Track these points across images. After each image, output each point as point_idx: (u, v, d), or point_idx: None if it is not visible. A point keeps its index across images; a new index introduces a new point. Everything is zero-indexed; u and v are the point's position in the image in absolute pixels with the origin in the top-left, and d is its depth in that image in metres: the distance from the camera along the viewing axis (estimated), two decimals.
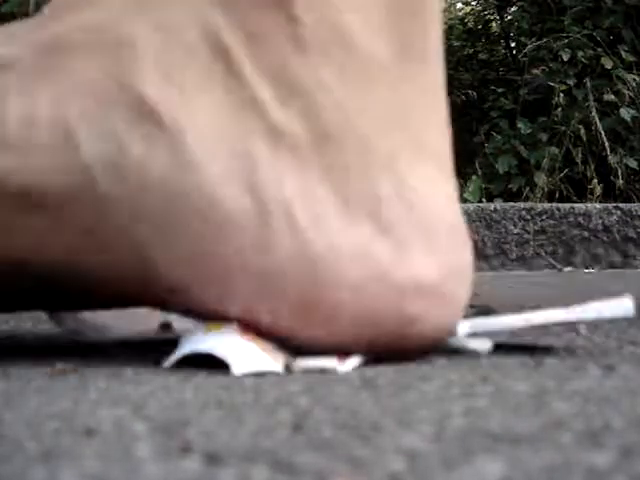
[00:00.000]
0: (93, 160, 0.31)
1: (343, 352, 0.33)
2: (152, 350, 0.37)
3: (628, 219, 1.31)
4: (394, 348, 0.33)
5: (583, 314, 0.37)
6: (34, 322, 0.49)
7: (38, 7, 1.86)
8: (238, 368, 0.32)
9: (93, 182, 0.31)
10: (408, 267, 0.32)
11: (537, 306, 0.38)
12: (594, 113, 1.67)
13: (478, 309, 0.46)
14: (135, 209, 0.31)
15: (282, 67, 0.31)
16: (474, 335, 0.37)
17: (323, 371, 0.32)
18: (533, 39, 1.85)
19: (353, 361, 0.34)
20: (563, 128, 1.69)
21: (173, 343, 0.39)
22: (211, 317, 0.33)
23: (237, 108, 0.31)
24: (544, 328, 0.44)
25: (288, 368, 0.33)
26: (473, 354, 0.36)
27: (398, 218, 0.32)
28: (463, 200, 1.59)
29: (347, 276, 0.31)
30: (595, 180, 1.63)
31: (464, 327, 0.36)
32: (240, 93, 0.31)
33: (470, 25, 2.22)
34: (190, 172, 0.31)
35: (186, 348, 0.33)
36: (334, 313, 0.32)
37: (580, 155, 1.68)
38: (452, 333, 0.35)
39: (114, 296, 0.34)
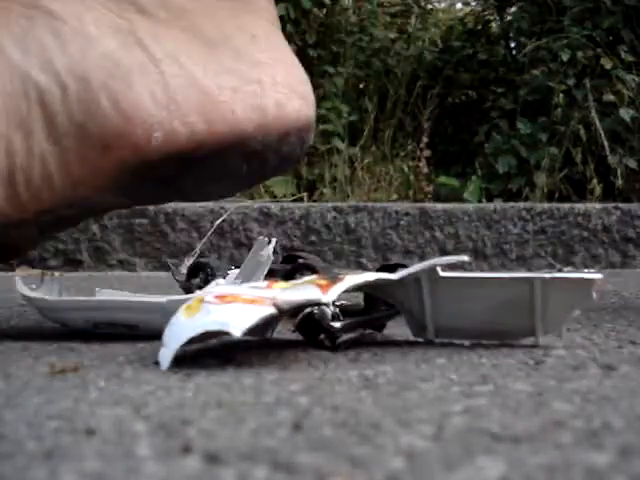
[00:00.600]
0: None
1: (326, 284, 0.35)
2: (152, 350, 0.37)
3: (628, 219, 1.31)
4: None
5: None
6: (35, 322, 0.49)
7: None
8: (237, 330, 0.32)
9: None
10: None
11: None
12: (594, 113, 1.67)
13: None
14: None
15: None
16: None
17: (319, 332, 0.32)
18: (533, 39, 1.85)
19: (335, 290, 0.34)
20: (563, 128, 1.69)
21: None
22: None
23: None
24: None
25: (278, 307, 0.33)
26: (473, 355, 0.36)
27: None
28: (463, 200, 1.59)
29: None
30: (595, 180, 1.63)
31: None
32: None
33: (470, 25, 2.22)
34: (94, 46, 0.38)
35: (177, 340, 0.33)
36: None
37: (580, 155, 1.67)
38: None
39: None
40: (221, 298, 0.34)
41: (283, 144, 0.39)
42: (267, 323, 0.36)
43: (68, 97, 0.36)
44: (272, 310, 0.33)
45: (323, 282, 0.36)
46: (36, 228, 0.40)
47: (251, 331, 0.32)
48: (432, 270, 0.38)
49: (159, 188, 0.39)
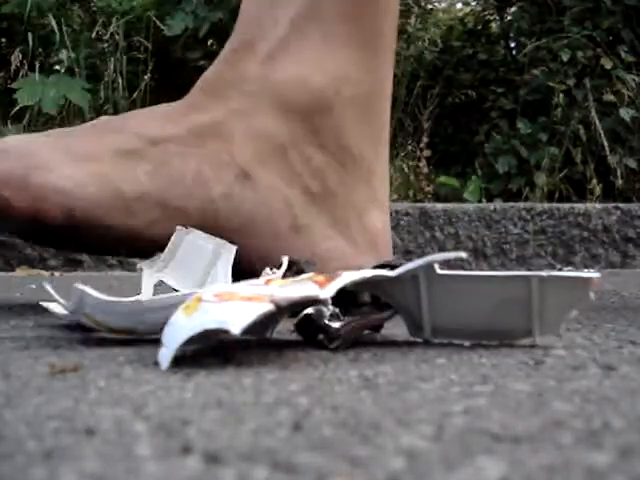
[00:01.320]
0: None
1: (323, 281, 0.36)
2: (152, 350, 0.37)
3: (628, 219, 1.31)
4: None
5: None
6: (35, 322, 0.49)
7: (38, 8, 1.86)
8: (235, 328, 0.31)
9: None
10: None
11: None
12: (594, 113, 1.68)
13: None
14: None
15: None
16: None
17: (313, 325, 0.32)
18: (533, 39, 1.85)
19: (333, 287, 0.35)
20: (563, 128, 1.69)
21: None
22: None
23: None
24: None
25: (276, 304, 0.33)
26: (473, 355, 0.36)
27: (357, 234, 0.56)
28: (463, 200, 1.59)
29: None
30: (595, 180, 1.63)
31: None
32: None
33: (470, 25, 2.22)
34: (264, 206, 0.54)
35: (177, 340, 0.33)
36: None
37: (580, 155, 1.68)
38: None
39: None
40: (219, 296, 0.34)
41: None
42: (266, 321, 0.36)
43: (231, 230, 0.53)
44: (270, 307, 0.33)
45: (321, 279, 0.36)
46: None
47: (250, 329, 0.32)
48: (429, 267, 0.38)
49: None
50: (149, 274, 0.51)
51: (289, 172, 0.54)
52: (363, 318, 0.41)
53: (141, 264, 0.52)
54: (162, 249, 0.50)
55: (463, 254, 0.37)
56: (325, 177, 0.55)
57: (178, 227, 0.50)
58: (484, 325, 0.39)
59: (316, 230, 0.54)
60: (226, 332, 0.32)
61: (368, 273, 0.38)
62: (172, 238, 0.50)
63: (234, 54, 0.55)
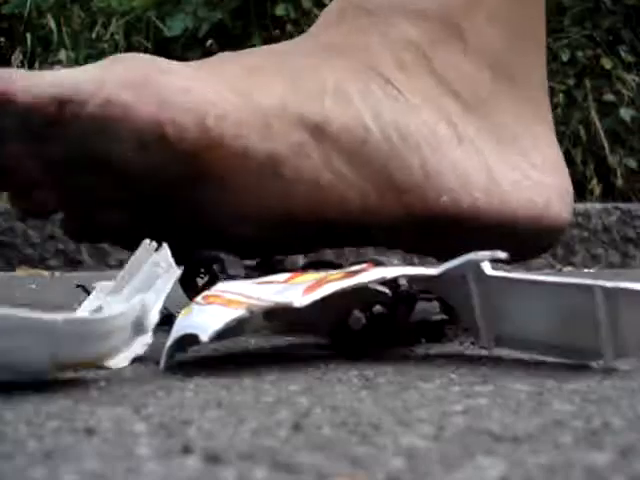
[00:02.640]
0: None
1: (310, 287, 0.33)
2: (152, 350, 0.37)
3: (628, 219, 1.31)
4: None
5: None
6: None
7: (37, 9, 1.86)
8: (204, 335, 0.30)
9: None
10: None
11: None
12: (593, 113, 1.67)
13: None
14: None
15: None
16: None
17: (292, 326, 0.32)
18: None
19: (315, 295, 0.32)
20: (563, 128, 1.69)
21: None
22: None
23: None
24: None
25: (250, 310, 0.31)
26: (473, 355, 0.36)
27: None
28: None
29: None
30: (594, 180, 1.63)
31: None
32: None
33: None
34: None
35: (170, 340, 0.32)
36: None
37: (580, 155, 1.67)
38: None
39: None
40: (206, 298, 0.33)
41: (539, 238, 0.48)
42: (241, 325, 0.33)
43: (386, 144, 0.44)
44: (242, 312, 0.31)
45: (336, 276, 0.34)
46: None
47: (221, 335, 0.31)
48: (477, 267, 0.34)
49: (420, 241, 0.47)
50: (96, 295, 0.40)
51: (436, 79, 0.47)
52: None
53: (96, 283, 0.41)
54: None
55: (501, 254, 0.33)
56: (479, 87, 0.48)
57: (145, 242, 0.37)
58: (550, 339, 0.34)
59: (482, 143, 0.47)
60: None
61: (407, 270, 0.35)
62: (133, 256, 0.38)
63: None
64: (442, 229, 0.45)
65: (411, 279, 0.36)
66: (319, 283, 0.33)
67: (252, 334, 0.39)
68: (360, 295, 0.35)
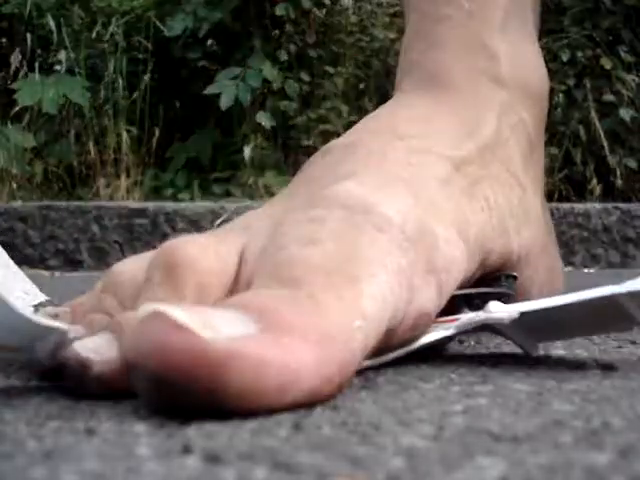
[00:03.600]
0: None
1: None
2: None
3: (628, 219, 1.31)
4: None
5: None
6: None
7: (37, 9, 1.86)
8: None
9: None
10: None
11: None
12: (593, 113, 1.67)
13: None
14: None
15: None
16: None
17: None
18: None
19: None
20: (562, 128, 1.69)
21: None
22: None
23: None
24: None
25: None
26: (473, 355, 0.36)
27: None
28: None
29: None
30: (594, 180, 1.63)
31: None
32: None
33: None
34: None
35: None
36: None
37: (579, 155, 1.67)
38: None
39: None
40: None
41: None
42: None
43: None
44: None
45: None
46: None
47: None
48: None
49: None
50: None
51: (539, 174, 0.45)
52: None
53: None
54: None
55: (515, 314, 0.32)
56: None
57: None
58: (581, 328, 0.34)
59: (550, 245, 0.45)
60: None
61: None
62: None
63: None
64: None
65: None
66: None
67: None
68: None
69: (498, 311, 0.33)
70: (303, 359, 0.24)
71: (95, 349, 0.26)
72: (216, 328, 0.23)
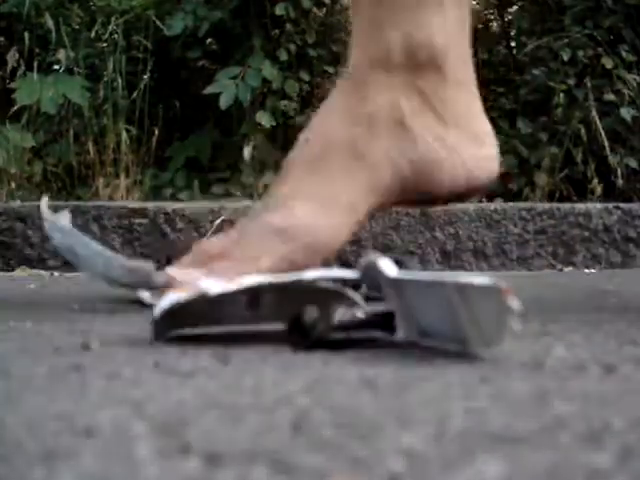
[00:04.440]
0: None
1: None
2: (152, 350, 0.37)
3: (628, 219, 1.30)
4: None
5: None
6: (34, 322, 0.49)
7: (36, 8, 1.86)
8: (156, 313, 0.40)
9: None
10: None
11: (537, 305, 0.37)
12: (594, 113, 1.67)
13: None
14: None
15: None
16: None
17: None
18: (533, 39, 1.85)
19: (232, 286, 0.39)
20: (563, 128, 1.69)
21: (172, 343, 0.39)
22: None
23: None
24: (542, 328, 0.44)
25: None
26: (473, 355, 0.36)
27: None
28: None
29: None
30: (595, 180, 1.63)
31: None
32: None
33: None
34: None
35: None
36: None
37: (580, 155, 1.67)
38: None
39: None
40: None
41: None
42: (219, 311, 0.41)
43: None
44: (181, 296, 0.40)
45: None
46: None
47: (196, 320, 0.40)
48: (379, 270, 0.38)
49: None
50: None
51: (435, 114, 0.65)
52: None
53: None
54: None
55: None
56: (456, 105, 0.66)
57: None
58: (446, 331, 0.36)
59: (458, 144, 0.64)
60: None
61: (330, 273, 0.41)
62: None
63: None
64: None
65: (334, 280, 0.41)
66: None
67: (235, 323, 0.40)
68: (312, 292, 0.40)
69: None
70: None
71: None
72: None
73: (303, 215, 0.59)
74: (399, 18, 0.61)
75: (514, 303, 0.32)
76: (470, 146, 0.65)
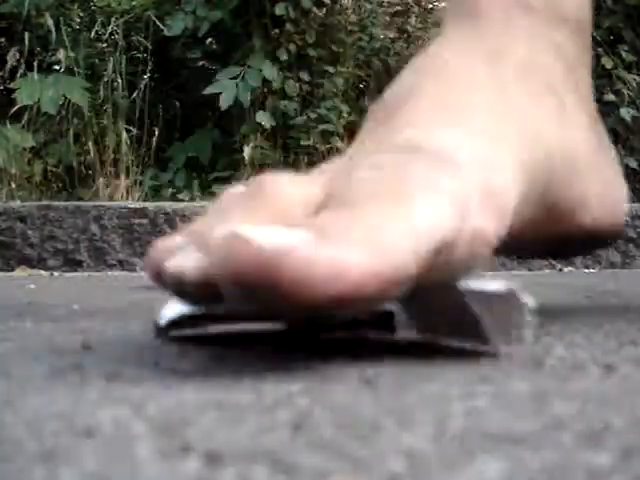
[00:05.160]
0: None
1: None
2: (152, 350, 0.37)
3: (628, 219, 1.30)
4: None
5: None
6: (34, 322, 0.49)
7: (36, 8, 1.86)
8: (163, 321, 0.38)
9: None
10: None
11: (537, 305, 0.37)
12: None
13: None
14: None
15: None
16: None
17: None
18: None
19: None
20: None
21: (172, 343, 0.39)
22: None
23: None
24: (542, 328, 0.44)
25: None
26: (473, 355, 0.36)
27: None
28: None
29: None
30: None
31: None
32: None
33: None
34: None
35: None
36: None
37: None
38: None
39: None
40: None
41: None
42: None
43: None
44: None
45: None
46: None
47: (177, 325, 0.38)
48: None
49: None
50: None
51: (584, 95, 0.46)
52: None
53: None
54: None
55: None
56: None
57: None
58: (456, 330, 0.36)
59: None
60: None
61: None
62: None
63: None
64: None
65: None
66: None
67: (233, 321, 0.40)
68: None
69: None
70: (351, 255, 0.27)
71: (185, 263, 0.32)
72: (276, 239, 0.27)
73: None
74: None
75: (529, 300, 0.33)
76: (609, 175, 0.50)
